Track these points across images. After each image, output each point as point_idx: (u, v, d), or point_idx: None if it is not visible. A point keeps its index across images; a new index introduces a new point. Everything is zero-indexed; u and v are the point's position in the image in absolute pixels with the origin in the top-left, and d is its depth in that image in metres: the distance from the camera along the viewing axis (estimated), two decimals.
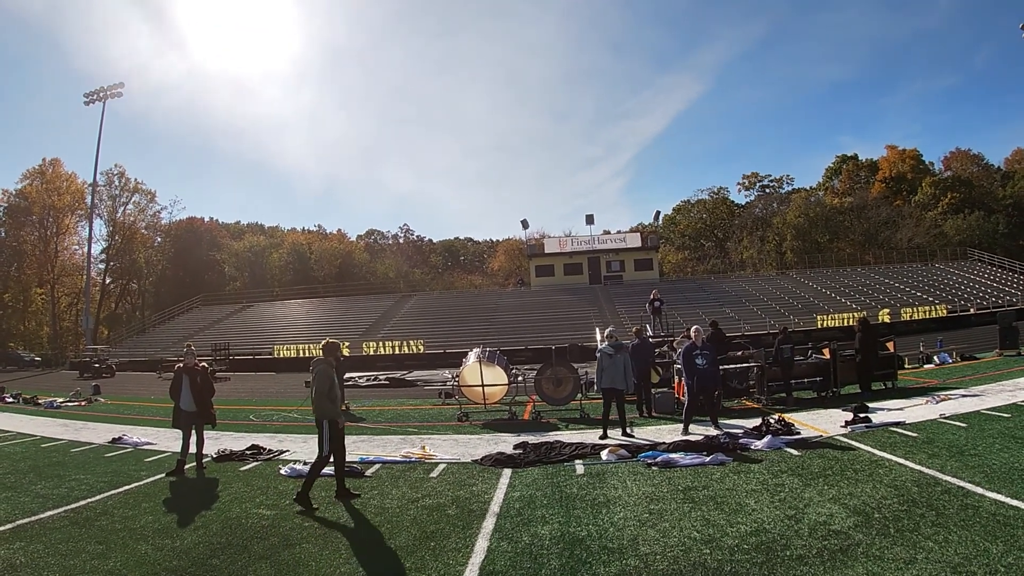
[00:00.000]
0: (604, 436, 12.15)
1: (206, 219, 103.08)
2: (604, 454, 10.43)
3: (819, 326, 41.21)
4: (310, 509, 8.21)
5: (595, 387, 13.06)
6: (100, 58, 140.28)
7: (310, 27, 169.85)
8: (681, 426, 12.53)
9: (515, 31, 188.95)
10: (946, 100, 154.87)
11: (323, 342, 9.40)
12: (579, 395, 16.29)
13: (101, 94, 59.97)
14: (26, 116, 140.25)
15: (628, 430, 12.45)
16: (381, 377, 27.64)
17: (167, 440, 13.60)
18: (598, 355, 12.77)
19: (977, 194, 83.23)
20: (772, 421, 12.00)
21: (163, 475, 10.63)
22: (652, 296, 28.46)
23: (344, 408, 17.67)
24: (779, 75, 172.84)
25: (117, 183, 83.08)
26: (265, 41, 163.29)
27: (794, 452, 10.03)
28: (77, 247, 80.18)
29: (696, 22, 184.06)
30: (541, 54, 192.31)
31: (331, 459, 8.80)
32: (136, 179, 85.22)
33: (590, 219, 67.11)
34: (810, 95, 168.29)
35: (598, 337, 29.12)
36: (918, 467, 8.58)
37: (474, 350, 17.26)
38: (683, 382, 13.23)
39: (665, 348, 19.14)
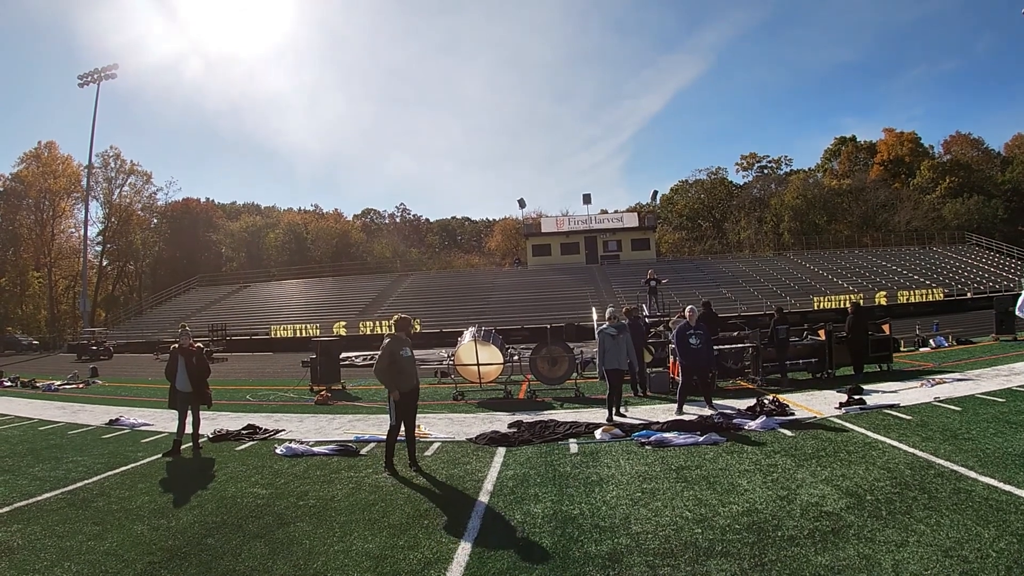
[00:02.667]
0: (611, 417, 12.05)
1: (202, 200, 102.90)
2: (598, 433, 10.47)
3: (815, 307, 41.19)
4: (397, 476, 8.66)
5: (598, 369, 13.04)
6: (95, 38, 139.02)
7: (309, 5, 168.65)
8: (675, 406, 12.55)
9: (517, 9, 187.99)
10: (947, 84, 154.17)
11: (395, 317, 9.86)
12: (574, 374, 16.34)
13: (96, 76, 59.67)
14: (22, 99, 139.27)
15: (622, 410, 12.47)
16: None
17: (163, 421, 13.62)
18: (599, 335, 12.75)
19: (976, 178, 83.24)
20: (766, 402, 12.02)
21: (159, 456, 10.66)
22: (648, 276, 28.45)
23: (340, 387, 17.81)
24: (781, 56, 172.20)
25: (113, 165, 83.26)
26: (263, 20, 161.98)
27: (788, 433, 10.06)
28: (74, 230, 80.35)
29: (700, 1, 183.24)
30: (543, 33, 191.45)
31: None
32: (132, 160, 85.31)
33: (587, 199, 67.20)
34: (812, 77, 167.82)
35: (594, 317, 29.18)
36: (911, 450, 8.59)
37: (470, 329, 17.27)
38: (677, 362, 13.25)
39: (661, 328, 19.18)
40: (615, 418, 11.94)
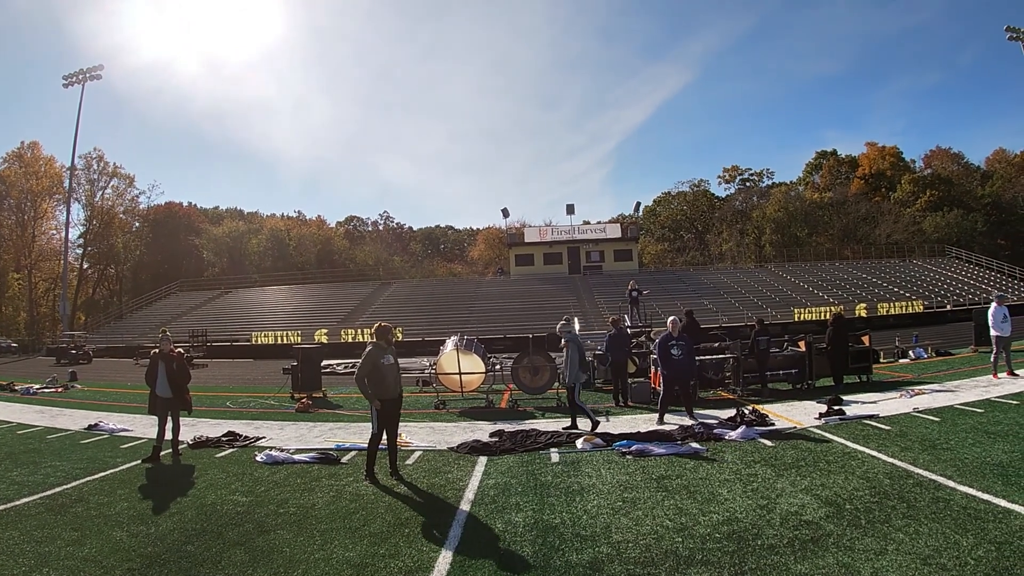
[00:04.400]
0: (574, 424, 12.28)
1: (185, 204, 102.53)
2: (579, 443, 10.48)
3: (796, 319, 41.43)
4: (378, 484, 8.64)
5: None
6: (81, 39, 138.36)
7: (294, 9, 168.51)
8: (657, 416, 12.59)
9: (503, 15, 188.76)
10: (931, 97, 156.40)
11: (375, 325, 9.68)
12: (556, 384, 16.33)
13: (80, 76, 59.31)
14: (5, 98, 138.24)
15: (601, 419, 12.49)
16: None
17: (143, 426, 13.53)
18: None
19: (956, 192, 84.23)
20: (747, 412, 12.10)
21: (139, 462, 10.57)
22: (630, 287, 28.50)
23: (321, 395, 17.73)
24: (766, 68, 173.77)
25: (96, 167, 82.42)
26: (251, 23, 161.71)
27: (768, 443, 10.11)
28: (55, 232, 79.68)
29: (686, 11, 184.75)
30: (529, 40, 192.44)
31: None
32: (115, 163, 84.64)
33: (571, 209, 67.89)
34: (796, 89, 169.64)
35: (576, 327, 29.15)
36: (890, 460, 8.66)
37: (452, 338, 17.25)
38: (659, 372, 13.30)
39: (643, 338, 19.23)
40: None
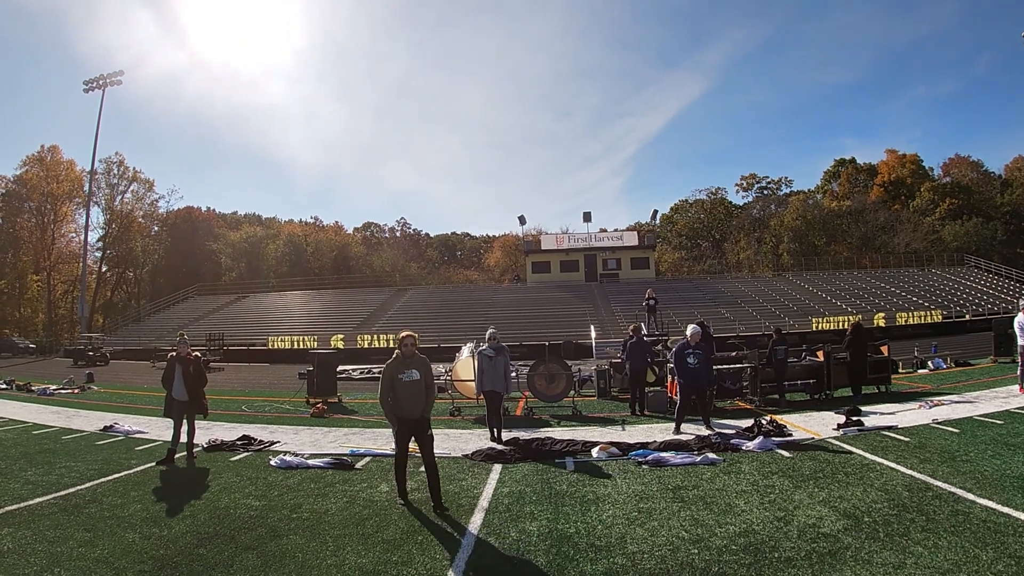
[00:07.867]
0: (496, 437, 12.13)
1: (203, 209, 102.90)
2: (595, 452, 10.42)
3: (814, 328, 41.20)
4: (409, 505, 7.99)
5: (476, 390, 13.10)
6: (101, 46, 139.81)
7: (310, 19, 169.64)
8: (673, 425, 12.52)
9: (518, 25, 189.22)
10: (947, 106, 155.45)
11: (401, 335, 8.62)
12: (572, 392, 16.27)
13: (101, 82, 59.92)
14: (26, 102, 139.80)
15: (618, 429, 12.41)
16: (375, 370, 27.46)
17: (158, 429, 13.58)
18: (477, 357, 12.77)
19: (975, 200, 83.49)
20: (764, 422, 11.99)
21: (153, 464, 10.60)
22: (647, 295, 28.43)
23: (336, 400, 17.72)
24: (782, 77, 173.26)
25: (116, 171, 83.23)
26: (266, 32, 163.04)
27: (785, 454, 10.02)
28: (74, 235, 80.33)
29: (701, 20, 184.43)
30: (544, 49, 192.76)
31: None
32: (135, 168, 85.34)
33: (587, 217, 67.13)
34: (812, 98, 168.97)
35: (593, 335, 29.15)
36: (909, 472, 8.56)
37: (468, 345, 17.23)
38: (676, 381, 13.22)
39: (659, 347, 19.15)
40: (499, 438, 12.03)
